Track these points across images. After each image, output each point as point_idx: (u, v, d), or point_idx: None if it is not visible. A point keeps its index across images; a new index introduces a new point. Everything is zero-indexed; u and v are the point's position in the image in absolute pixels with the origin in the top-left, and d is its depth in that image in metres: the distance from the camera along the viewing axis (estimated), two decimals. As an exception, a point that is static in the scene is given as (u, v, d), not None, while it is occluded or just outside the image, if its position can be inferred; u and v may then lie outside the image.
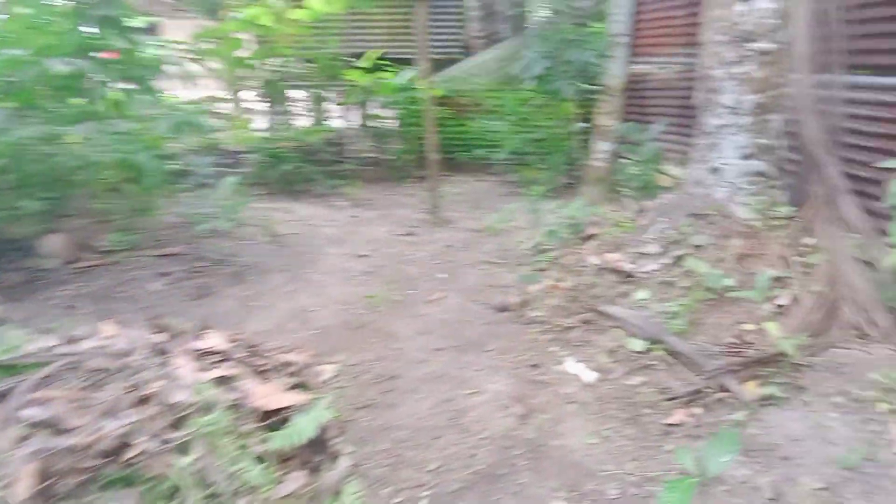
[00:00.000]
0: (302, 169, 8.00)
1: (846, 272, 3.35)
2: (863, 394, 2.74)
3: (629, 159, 7.05)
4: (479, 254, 5.53)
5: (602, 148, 6.77)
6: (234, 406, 2.69)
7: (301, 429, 2.60)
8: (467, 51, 11.42)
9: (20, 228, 4.79)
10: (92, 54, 5.07)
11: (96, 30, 5.00)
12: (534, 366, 3.39)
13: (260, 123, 9.41)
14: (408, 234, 6.21)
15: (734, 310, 3.38)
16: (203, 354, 3.14)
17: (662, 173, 6.74)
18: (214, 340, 3.28)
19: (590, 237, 4.66)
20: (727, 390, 2.86)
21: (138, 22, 6.39)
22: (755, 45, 4.09)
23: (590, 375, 3.17)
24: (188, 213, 5.33)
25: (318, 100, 9.03)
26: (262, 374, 3.16)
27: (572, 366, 3.28)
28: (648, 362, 3.21)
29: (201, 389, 2.73)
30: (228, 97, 9.37)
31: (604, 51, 6.49)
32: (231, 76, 8.58)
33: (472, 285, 4.77)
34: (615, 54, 6.47)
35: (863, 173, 3.83)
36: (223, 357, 3.16)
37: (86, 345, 3.08)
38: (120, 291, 4.54)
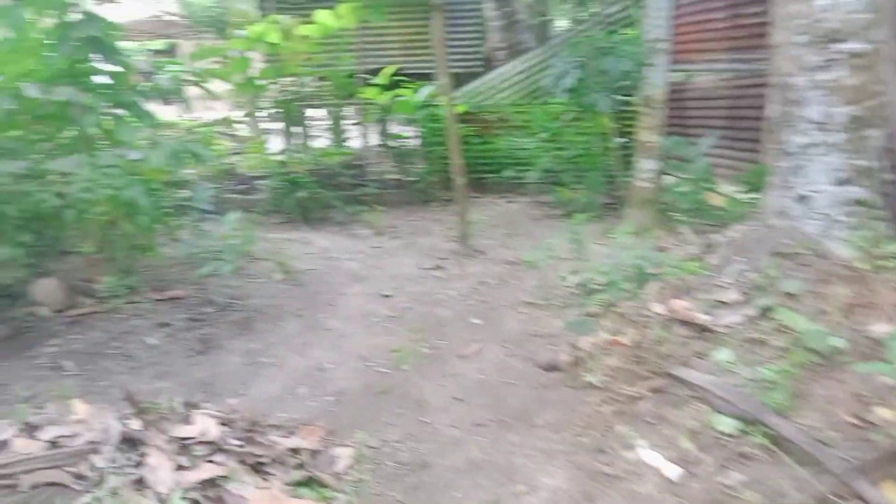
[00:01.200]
0: (319, 195, 7.45)
1: None
2: None
3: (677, 178, 6.39)
4: (518, 292, 4.90)
5: (646, 166, 6.11)
6: (222, 532, 2.10)
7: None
8: (489, 64, 10.86)
9: (6, 273, 4.27)
10: (77, 79, 4.59)
11: (81, 53, 4.50)
12: (598, 451, 2.75)
13: (275, 146, 8.92)
14: (436, 268, 5.61)
15: (848, 379, 2.70)
16: (188, 445, 2.55)
17: (716, 193, 6.06)
18: (204, 425, 2.69)
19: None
20: (862, 498, 2.19)
21: (158, 44, 5.96)
22: (844, 47, 3.43)
23: (672, 470, 2.51)
24: (191, 251, 4.78)
25: (335, 120, 8.50)
26: (260, 469, 2.56)
27: (648, 454, 2.63)
28: (746, 450, 2.55)
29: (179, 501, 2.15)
30: (241, 119, 8.92)
31: (642, 58, 5.84)
32: (241, 97, 8.10)
33: (512, 333, 4.14)
34: (655, 61, 5.82)
35: None
36: (213, 448, 2.57)
37: (45, 435, 2.52)
38: (114, 347, 3.99)
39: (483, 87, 9.18)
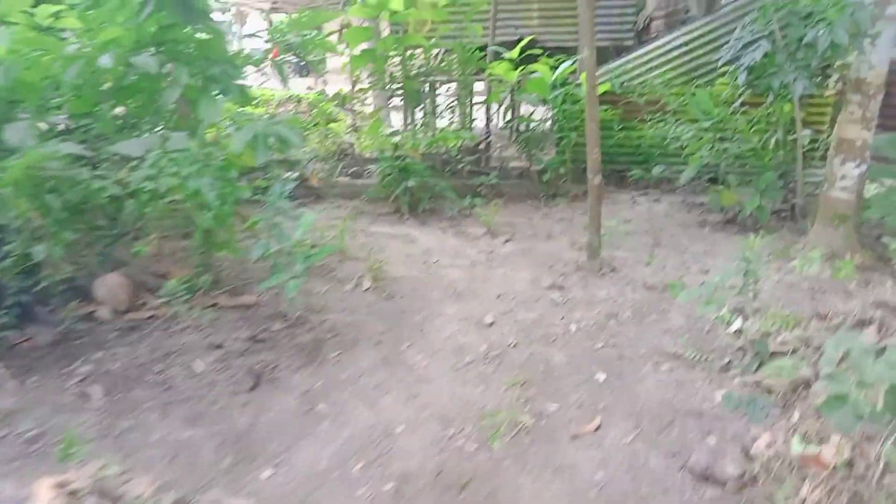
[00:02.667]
0: (431, 184, 6.58)
1: None
2: None
3: (887, 188, 4.81)
4: (660, 335, 3.73)
5: (846, 170, 4.61)
6: None
7: None
8: (642, 35, 9.38)
9: (58, 270, 3.78)
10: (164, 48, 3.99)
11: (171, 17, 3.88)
12: None
13: (396, 126, 8.17)
14: (555, 288, 4.53)
15: None
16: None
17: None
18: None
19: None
20: None
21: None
22: None
23: None
24: (267, 251, 4.08)
25: (459, 99, 7.56)
26: None
27: None
28: None
29: None
30: (359, 94, 8.23)
31: (860, 27, 4.31)
32: (360, 70, 7.39)
33: (651, 404, 3.01)
34: (878, 32, 4.27)
35: None
36: None
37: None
38: (155, 371, 3.35)
39: (633, 63, 7.80)
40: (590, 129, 4.54)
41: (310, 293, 4.33)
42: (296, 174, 6.61)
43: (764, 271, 3.94)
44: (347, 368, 3.44)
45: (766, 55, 4.61)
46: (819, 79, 4.73)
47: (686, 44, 7.75)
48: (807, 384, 2.73)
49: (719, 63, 4.89)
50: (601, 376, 3.31)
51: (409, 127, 7.67)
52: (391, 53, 7.16)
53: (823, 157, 5.56)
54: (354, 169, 7.78)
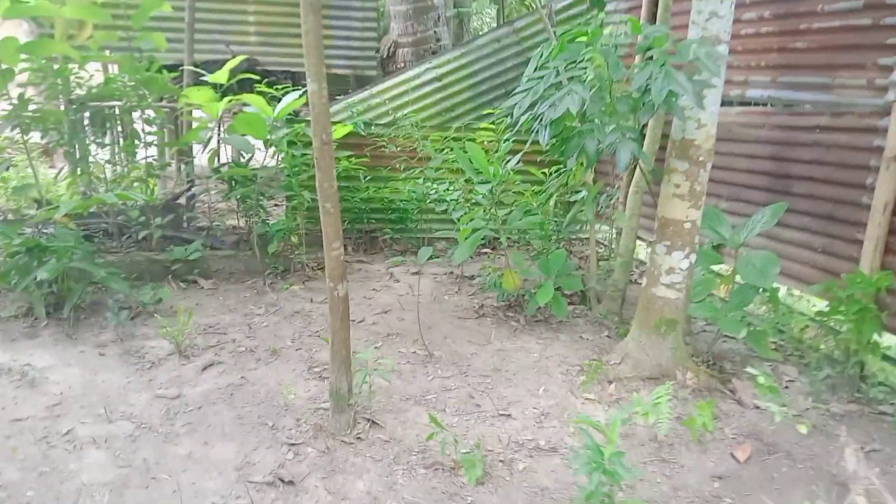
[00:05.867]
0: (83, 271, 4.19)
1: None
2: None
3: (714, 276, 3.87)
4: None
5: (673, 262, 3.48)
6: None
7: None
8: (388, 64, 8.00)
9: None
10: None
11: None
12: None
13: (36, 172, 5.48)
14: (278, 484, 2.61)
15: None
16: None
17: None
18: None
19: None
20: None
21: None
22: None
23: None
24: None
25: (130, 135, 5.23)
26: None
27: None
28: None
29: None
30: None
31: (687, 74, 3.17)
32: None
33: None
34: (708, 80, 3.20)
35: None
36: None
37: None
38: None
39: (379, 97, 6.29)
40: (321, 174, 2.75)
41: None
42: None
43: (577, 404, 2.54)
44: None
45: (579, 107, 3.23)
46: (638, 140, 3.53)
47: (439, 78, 6.46)
48: None
49: (515, 114, 3.49)
50: None
51: (46, 177, 5.12)
52: (21, 66, 4.59)
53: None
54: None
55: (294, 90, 4.95)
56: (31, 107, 4.75)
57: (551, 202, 4.59)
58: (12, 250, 4.21)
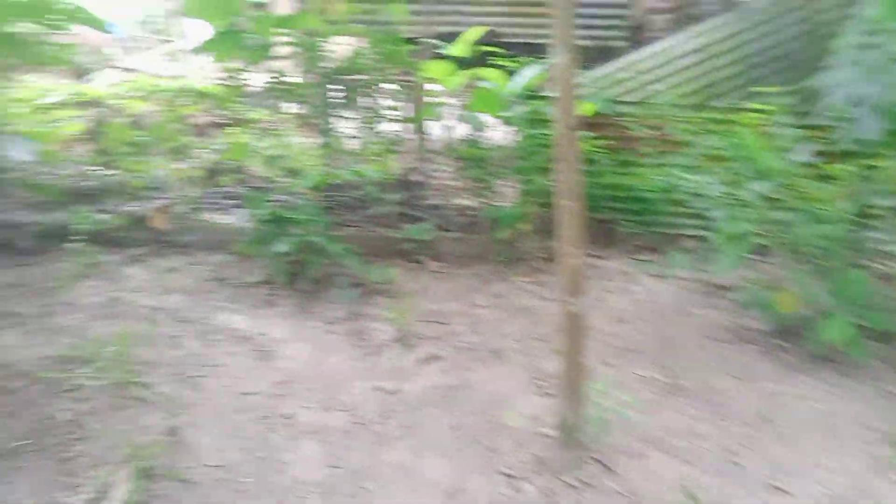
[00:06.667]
0: (320, 244, 4.25)
1: None
2: None
3: None
4: None
5: None
6: None
7: None
8: (637, 35, 7.17)
9: None
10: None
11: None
12: None
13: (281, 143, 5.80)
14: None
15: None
16: None
17: None
18: None
19: None
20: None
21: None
22: None
23: None
24: None
25: (370, 112, 5.22)
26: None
27: None
28: None
29: None
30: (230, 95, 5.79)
31: None
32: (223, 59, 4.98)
33: None
34: None
35: None
36: None
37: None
38: None
39: (627, 72, 5.60)
40: (564, 156, 2.28)
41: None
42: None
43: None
44: None
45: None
46: None
47: (701, 49, 5.56)
48: None
49: (836, 98, 2.67)
50: None
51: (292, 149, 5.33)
52: (270, 41, 4.77)
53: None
54: (231, 202, 5.39)
55: (533, 63, 4.52)
56: (286, 80, 4.95)
57: (852, 207, 3.57)
58: (261, 219, 4.44)
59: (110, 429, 2.65)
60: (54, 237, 4.65)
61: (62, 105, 6.27)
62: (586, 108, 4.67)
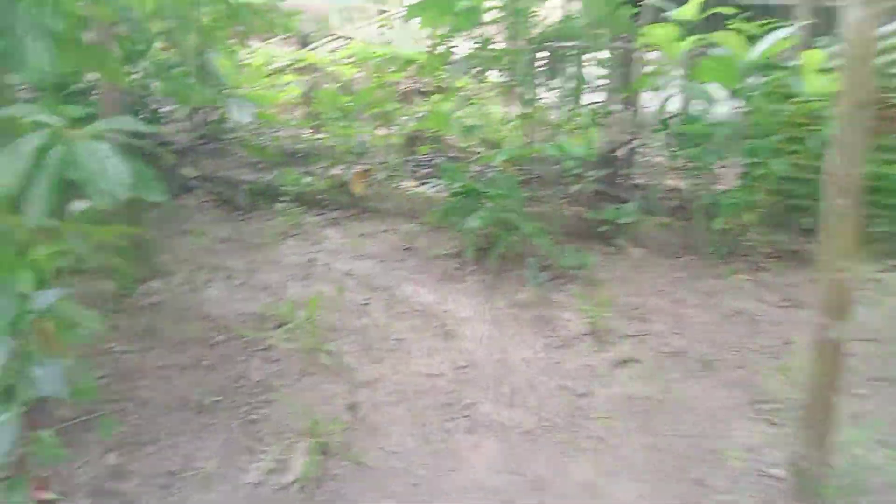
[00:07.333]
0: (511, 220, 3.99)
1: None
2: None
3: None
4: None
5: None
6: None
7: None
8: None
9: None
10: None
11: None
12: None
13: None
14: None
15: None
16: None
17: None
18: None
19: None
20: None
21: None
22: None
23: None
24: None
25: (577, 81, 4.79)
26: None
27: None
28: None
29: None
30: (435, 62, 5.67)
31: None
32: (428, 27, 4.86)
33: None
34: None
35: None
36: None
37: None
38: None
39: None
40: (836, 180, 1.76)
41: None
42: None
43: None
44: None
45: None
46: None
47: None
48: None
49: None
50: None
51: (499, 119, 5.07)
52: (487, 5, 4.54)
53: None
54: (427, 171, 5.34)
55: (779, 28, 3.79)
56: (491, 47, 4.72)
57: None
58: (454, 191, 4.29)
59: (295, 395, 2.66)
60: (267, 196, 4.94)
61: (283, 70, 6.67)
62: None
